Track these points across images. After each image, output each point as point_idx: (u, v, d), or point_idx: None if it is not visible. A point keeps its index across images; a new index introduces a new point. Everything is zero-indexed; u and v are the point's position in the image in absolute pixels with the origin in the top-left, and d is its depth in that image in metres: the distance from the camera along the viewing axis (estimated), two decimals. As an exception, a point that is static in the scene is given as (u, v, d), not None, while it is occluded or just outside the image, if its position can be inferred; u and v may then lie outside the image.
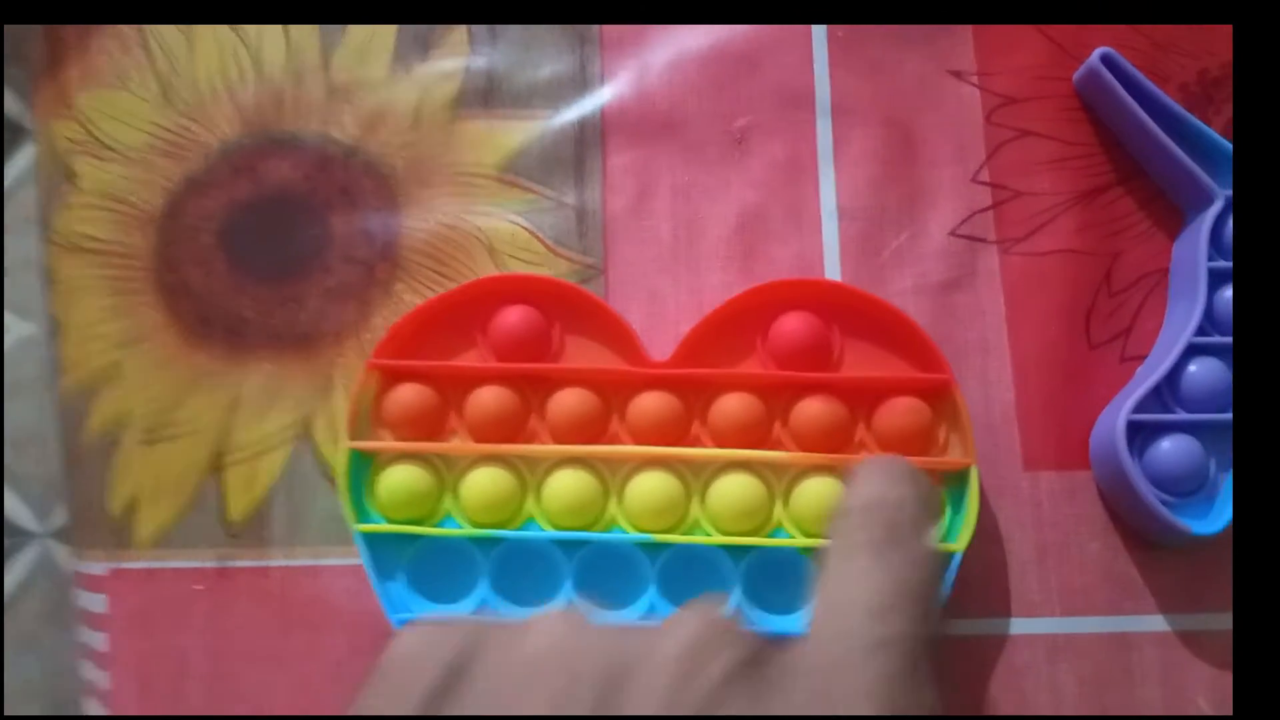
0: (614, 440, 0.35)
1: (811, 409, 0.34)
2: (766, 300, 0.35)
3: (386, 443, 0.35)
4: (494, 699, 0.21)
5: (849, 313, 0.35)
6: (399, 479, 0.34)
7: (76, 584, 0.38)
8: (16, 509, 1.26)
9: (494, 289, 0.35)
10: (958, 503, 0.33)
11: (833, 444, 0.34)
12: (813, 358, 0.34)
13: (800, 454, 0.34)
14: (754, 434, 0.34)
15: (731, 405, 0.34)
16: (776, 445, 0.34)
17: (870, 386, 0.34)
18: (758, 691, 0.21)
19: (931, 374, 0.34)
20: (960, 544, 0.32)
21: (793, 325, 0.34)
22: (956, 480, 0.33)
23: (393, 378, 0.35)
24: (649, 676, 0.20)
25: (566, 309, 0.35)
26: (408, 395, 0.34)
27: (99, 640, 0.36)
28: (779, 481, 0.34)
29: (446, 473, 0.34)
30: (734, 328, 0.35)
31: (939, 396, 0.34)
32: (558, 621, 0.22)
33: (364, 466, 0.34)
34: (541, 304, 0.35)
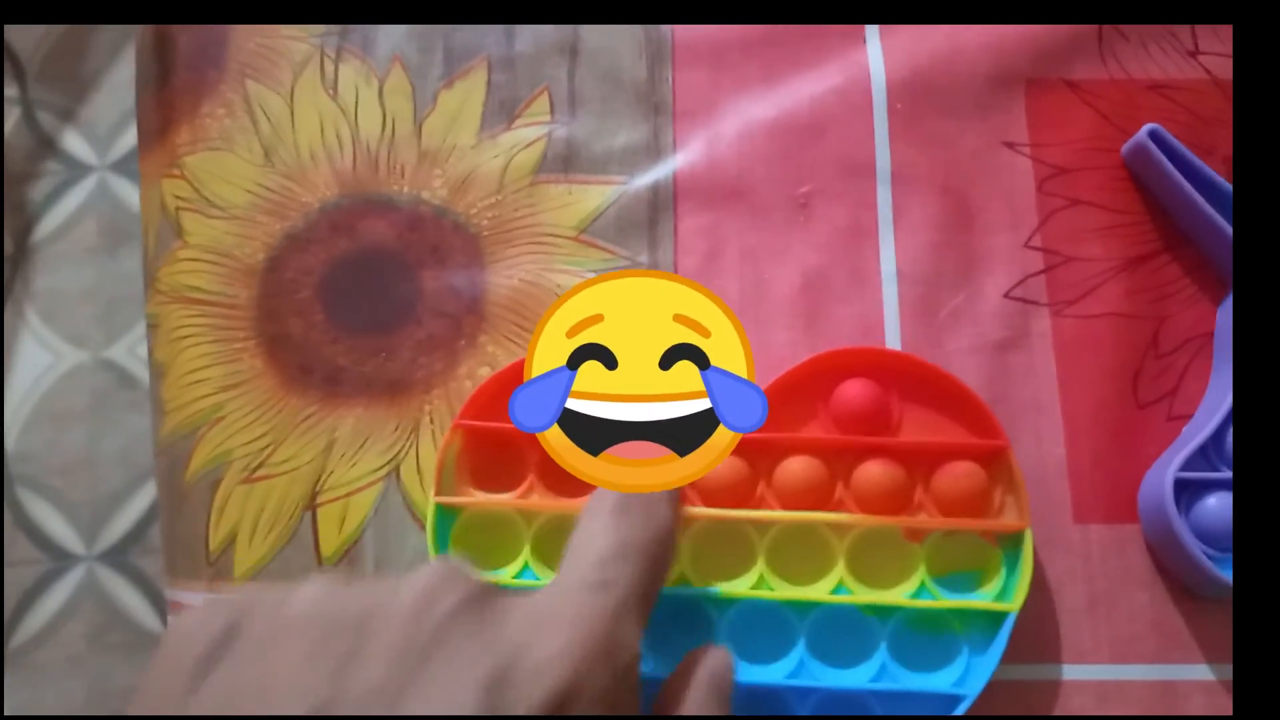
0: (684, 500, 0.36)
1: (872, 472, 0.35)
2: (828, 367, 0.36)
3: (468, 498, 0.37)
4: (258, 655, 0.23)
5: (908, 379, 0.37)
6: (478, 532, 0.36)
7: (173, 612, 0.41)
8: (64, 533, 1.29)
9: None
10: (1013, 563, 0.35)
11: (893, 505, 0.35)
12: (873, 422, 0.36)
13: (862, 515, 0.35)
14: (817, 495, 0.35)
15: (796, 467, 0.36)
16: (839, 506, 0.36)
17: (928, 450, 0.36)
18: (481, 622, 0.23)
19: (987, 439, 0.35)
20: (1016, 603, 0.33)
21: (854, 391, 0.36)
22: (1011, 541, 0.35)
23: (475, 437, 0.37)
24: (388, 618, 0.23)
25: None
26: (488, 453, 0.37)
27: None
28: (840, 541, 0.35)
29: (525, 526, 0.36)
30: (797, 393, 0.37)
31: (995, 461, 0.35)
32: (318, 583, 0.25)
33: (449, 517, 0.37)
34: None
